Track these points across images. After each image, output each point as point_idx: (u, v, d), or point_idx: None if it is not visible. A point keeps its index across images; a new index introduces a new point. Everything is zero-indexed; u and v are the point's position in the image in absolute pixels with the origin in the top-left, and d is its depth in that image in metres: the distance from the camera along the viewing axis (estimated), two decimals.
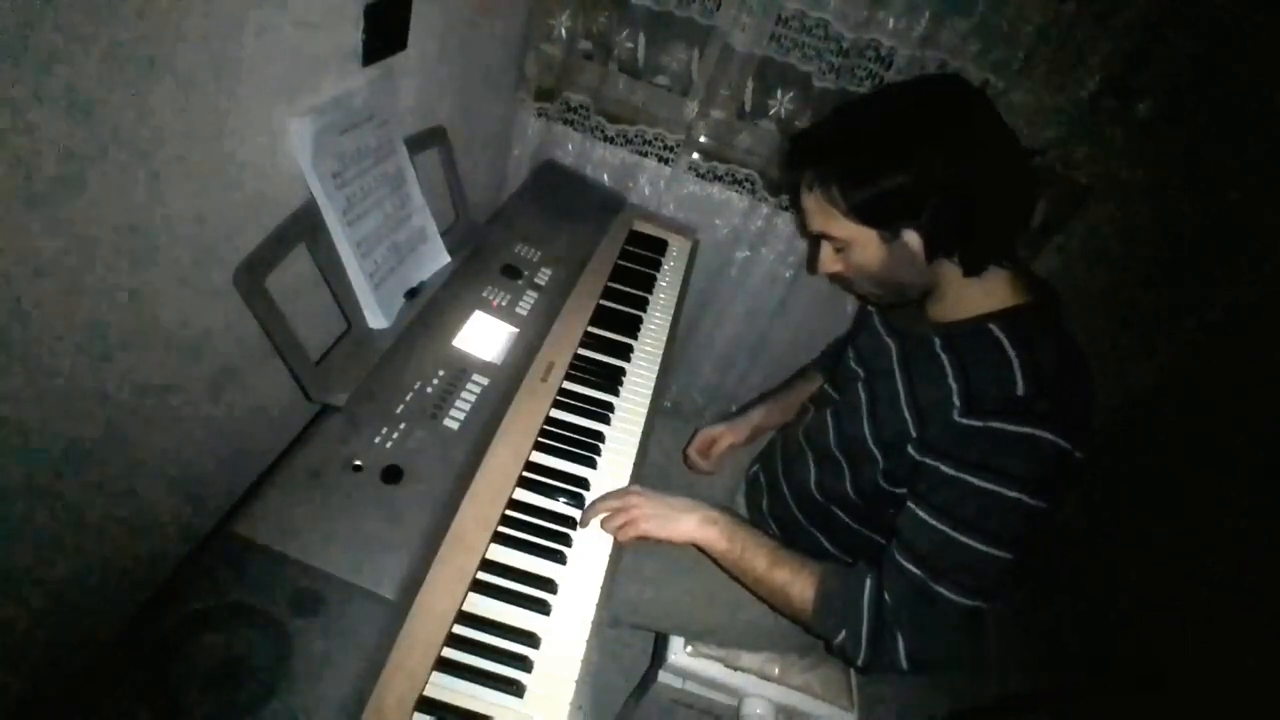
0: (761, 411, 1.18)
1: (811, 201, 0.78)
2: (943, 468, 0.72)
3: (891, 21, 1.21)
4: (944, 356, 0.78)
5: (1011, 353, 0.71)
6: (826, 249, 0.82)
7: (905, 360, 0.85)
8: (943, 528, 0.71)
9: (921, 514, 0.73)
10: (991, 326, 0.75)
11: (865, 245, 0.77)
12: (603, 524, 0.83)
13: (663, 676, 1.06)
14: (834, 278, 0.85)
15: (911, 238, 0.74)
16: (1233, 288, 1.47)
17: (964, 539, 0.69)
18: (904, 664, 0.72)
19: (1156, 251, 1.43)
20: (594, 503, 0.85)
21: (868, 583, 0.75)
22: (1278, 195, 1.30)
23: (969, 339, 0.76)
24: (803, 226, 0.85)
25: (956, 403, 0.73)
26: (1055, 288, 0.80)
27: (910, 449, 0.78)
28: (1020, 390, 0.69)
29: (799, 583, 0.78)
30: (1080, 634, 1.85)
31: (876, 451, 0.83)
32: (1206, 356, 1.57)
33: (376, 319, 0.90)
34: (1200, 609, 1.54)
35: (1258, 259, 1.42)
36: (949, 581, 0.71)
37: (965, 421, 0.71)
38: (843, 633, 0.75)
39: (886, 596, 0.73)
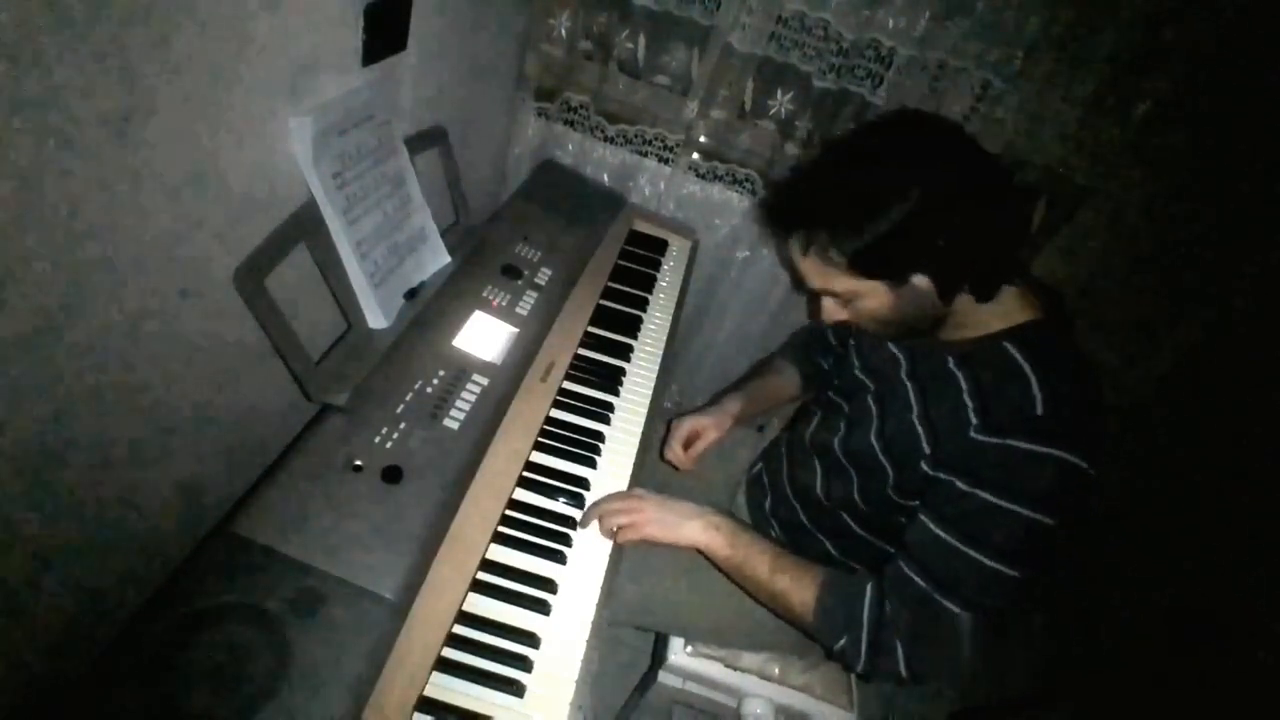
0: (739, 401, 1.10)
1: (808, 264, 0.75)
2: (957, 483, 0.71)
3: (891, 21, 1.21)
4: (959, 373, 0.77)
5: (1029, 372, 0.70)
6: (829, 301, 0.80)
7: (916, 374, 0.84)
8: (952, 541, 0.70)
9: (932, 526, 0.73)
10: (1007, 345, 0.74)
11: (872, 295, 0.74)
12: (605, 525, 0.83)
13: (663, 676, 1.06)
14: (840, 324, 0.82)
15: (921, 280, 0.71)
16: (1233, 287, 1.47)
17: (973, 553, 0.69)
18: (903, 673, 0.72)
19: (1156, 251, 1.43)
20: (596, 504, 0.85)
21: (869, 591, 0.75)
22: (1278, 195, 1.30)
23: (984, 357, 0.75)
24: (798, 282, 0.80)
25: (973, 420, 0.72)
26: (1064, 297, 0.79)
27: (923, 464, 0.77)
28: (1039, 410, 0.68)
29: (800, 589, 0.78)
30: (1079, 634, 1.85)
31: (886, 464, 0.83)
32: (1206, 356, 1.57)
33: (376, 319, 0.90)
34: (1200, 609, 1.54)
35: (1258, 258, 1.42)
36: (953, 594, 0.70)
37: (982, 439, 0.70)
38: (843, 639, 0.75)
39: (887, 605, 0.73)
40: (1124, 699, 1.58)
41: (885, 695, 1.59)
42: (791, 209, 0.76)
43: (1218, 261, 1.43)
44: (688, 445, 1.05)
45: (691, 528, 0.82)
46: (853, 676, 1.07)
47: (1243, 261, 1.43)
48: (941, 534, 0.71)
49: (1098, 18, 1.16)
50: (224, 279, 0.72)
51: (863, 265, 0.71)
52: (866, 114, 1.31)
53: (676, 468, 1.06)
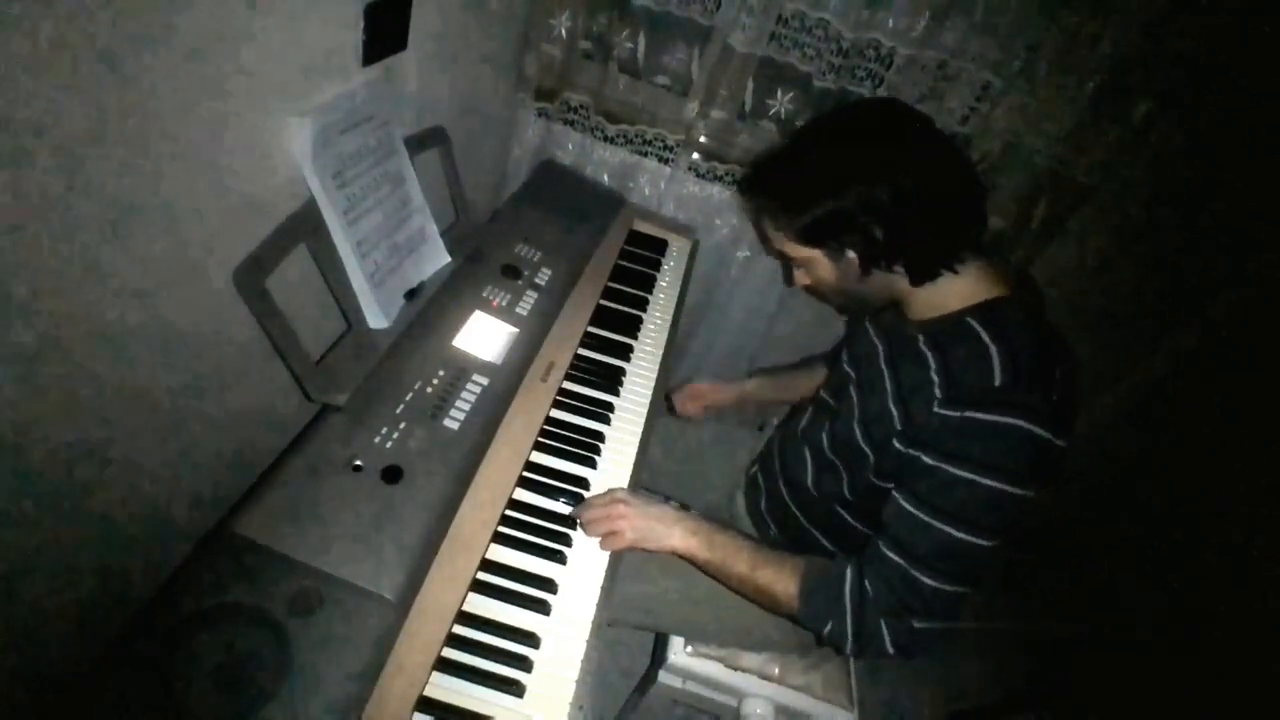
0: (754, 382, 1.21)
1: (766, 228, 0.86)
2: (923, 458, 0.74)
3: (891, 21, 1.21)
4: (927, 352, 0.79)
5: (989, 344, 0.73)
6: (796, 267, 0.89)
7: (892, 358, 0.87)
8: (923, 516, 0.72)
9: (903, 503, 0.75)
10: (969, 320, 0.77)
11: (817, 264, 0.83)
12: (588, 532, 0.84)
13: (663, 676, 1.07)
14: (806, 290, 0.92)
15: (851, 255, 0.79)
16: (1232, 287, 1.47)
17: (943, 527, 0.71)
18: (890, 650, 0.74)
19: (1156, 251, 1.43)
20: (578, 509, 0.85)
21: (848, 573, 0.77)
22: (1278, 195, 1.30)
23: (949, 333, 0.78)
24: (769, 248, 0.90)
25: (938, 394, 0.75)
26: (1034, 278, 0.83)
27: (895, 443, 0.79)
28: (998, 380, 0.70)
29: (782, 580, 0.80)
30: (1078, 634, 1.85)
31: (867, 449, 0.85)
32: (1206, 356, 1.57)
33: (376, 319, 0.90)
34: (1198, 609, 1.54)
35: (1257, 258, 1.42)
36: (929, 569, 0.72)
37: (944, 412, 0.73)
38: (829, 624, 0.76)
39: (867, 585, 0.75)
40: (1122, 698, 1.58)
41: (885, 696, 1.59)
42: (755, 179, 0.89)
43: (1217, 261, 1.43)
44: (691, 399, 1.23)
45: (673, 535, 0.83)
46: (852, 677, 1.07)
47: (1242, 261, 1.43)
48: (912, 510, 0.73)
49: (1098, 18, 1.16)
50: (224, 279, 0.72)
51: (802, 235, 0.81)
52: None
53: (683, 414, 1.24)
